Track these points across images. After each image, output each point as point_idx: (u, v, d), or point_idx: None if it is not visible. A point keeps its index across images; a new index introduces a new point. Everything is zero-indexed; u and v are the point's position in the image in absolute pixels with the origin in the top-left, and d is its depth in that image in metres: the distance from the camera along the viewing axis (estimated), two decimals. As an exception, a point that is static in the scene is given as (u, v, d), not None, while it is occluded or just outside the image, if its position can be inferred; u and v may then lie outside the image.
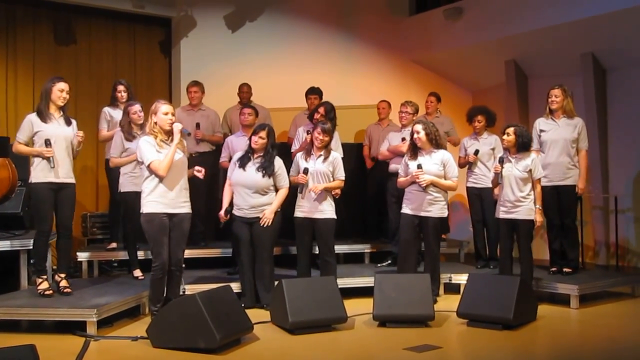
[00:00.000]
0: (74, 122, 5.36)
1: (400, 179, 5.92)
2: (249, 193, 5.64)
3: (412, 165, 5.76)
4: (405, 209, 5.83)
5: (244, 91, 7.78)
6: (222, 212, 5.68)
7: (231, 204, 5.75)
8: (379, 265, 6.87)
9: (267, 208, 5.64)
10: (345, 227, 7.59)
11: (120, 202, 6.15)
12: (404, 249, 5.84)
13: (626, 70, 7.74)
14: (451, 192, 7.69)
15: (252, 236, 5.70)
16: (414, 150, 5.81)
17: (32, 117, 5.14)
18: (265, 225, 5.61)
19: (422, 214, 5.73)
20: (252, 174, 5.64)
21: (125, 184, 5.98)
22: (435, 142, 5.78)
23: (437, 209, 5.74)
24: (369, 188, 7.55)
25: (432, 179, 5.66)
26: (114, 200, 6.68)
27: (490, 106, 7.05)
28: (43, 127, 5.11)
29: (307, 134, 6.24)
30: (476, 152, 6.65)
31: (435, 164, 5.72)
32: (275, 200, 5.70)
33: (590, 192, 7.37)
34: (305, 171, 5.73)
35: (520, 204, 5.63)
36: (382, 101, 7.68)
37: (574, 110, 6.22)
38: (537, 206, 5.63)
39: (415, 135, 5.75)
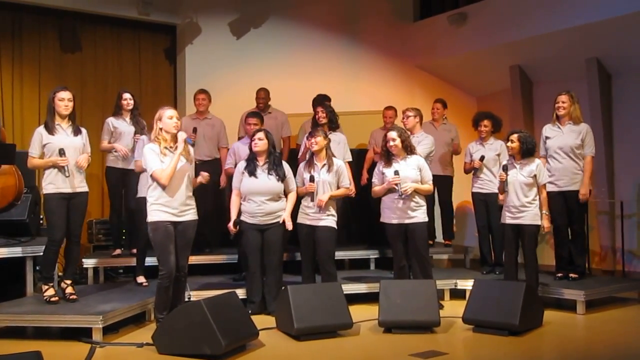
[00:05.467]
0: (84, 131, 5.40)
1: (376, 188, 5.82)
2: (264, 200, 5.63)
3: (388, 172, 5.67)
4: (389, 219, 5.74)
5: (261, 97, 7.47)
6: (231, 225, 5.62)
7: (238, 214, 5.72)
8: None
9: (280, 214, 5.66)
10: (351, 233, 7.58)
11: (137, 207, 6.03)
12: (399, 259, 5.78)
13: (631, 75, 7.71)
14: (457, 199, 7.73)
15: (262, 243, 5.70)
16: (388, 157, 5.74)
17: (41, 130, 5.21)
18: (288, 229, 5.65)
19: (408, 221, 5.67)
20: (264, 180, 5.63)
21: (142, 190, 5.91)
22: (409, 148, 5.75)
23: (421, 214, 5.69)
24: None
25: (414, 186, 5.62)
26: (114, 208, 6.70)
27: (495, 112, 7.03)
28: (51, 139, 5.17)
29: (307, 139, 6.19)
30: (482, 158, 6.63)
31: (412, 169, 5.67)
32: (288, 205, 5.72)
33: (595, 197, 7.34)
34: (312, 179, 5.72)
35: (525, 209, 5.61)
36: (390, 109, 7.47)
37: (581, 116, 6.21)
38: (544, 212, 5.61)
39: (391, 143, 5.68)
